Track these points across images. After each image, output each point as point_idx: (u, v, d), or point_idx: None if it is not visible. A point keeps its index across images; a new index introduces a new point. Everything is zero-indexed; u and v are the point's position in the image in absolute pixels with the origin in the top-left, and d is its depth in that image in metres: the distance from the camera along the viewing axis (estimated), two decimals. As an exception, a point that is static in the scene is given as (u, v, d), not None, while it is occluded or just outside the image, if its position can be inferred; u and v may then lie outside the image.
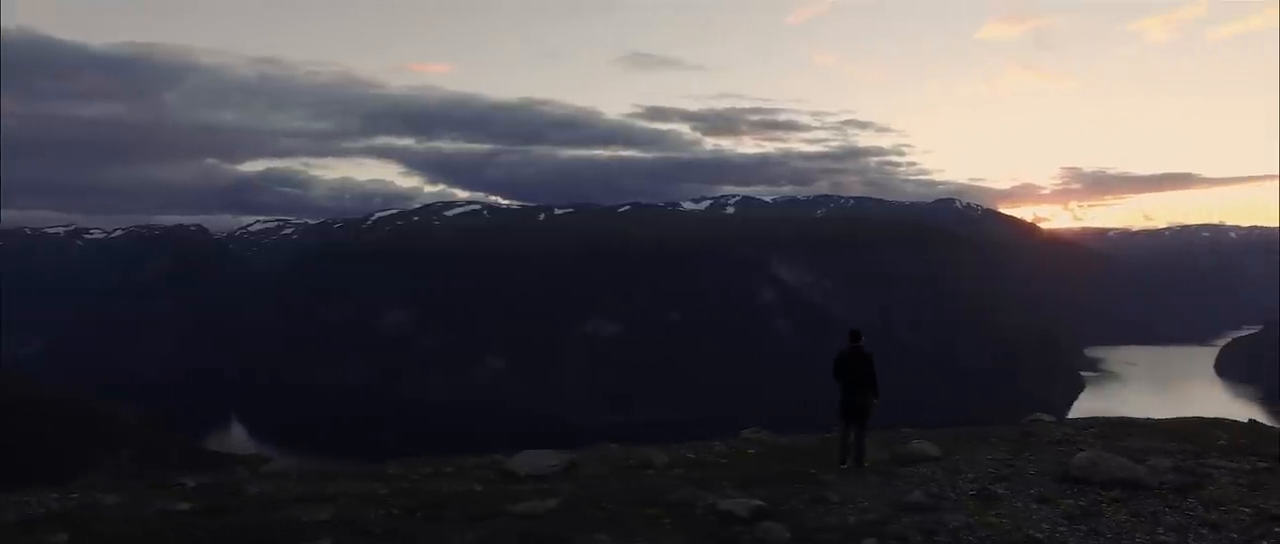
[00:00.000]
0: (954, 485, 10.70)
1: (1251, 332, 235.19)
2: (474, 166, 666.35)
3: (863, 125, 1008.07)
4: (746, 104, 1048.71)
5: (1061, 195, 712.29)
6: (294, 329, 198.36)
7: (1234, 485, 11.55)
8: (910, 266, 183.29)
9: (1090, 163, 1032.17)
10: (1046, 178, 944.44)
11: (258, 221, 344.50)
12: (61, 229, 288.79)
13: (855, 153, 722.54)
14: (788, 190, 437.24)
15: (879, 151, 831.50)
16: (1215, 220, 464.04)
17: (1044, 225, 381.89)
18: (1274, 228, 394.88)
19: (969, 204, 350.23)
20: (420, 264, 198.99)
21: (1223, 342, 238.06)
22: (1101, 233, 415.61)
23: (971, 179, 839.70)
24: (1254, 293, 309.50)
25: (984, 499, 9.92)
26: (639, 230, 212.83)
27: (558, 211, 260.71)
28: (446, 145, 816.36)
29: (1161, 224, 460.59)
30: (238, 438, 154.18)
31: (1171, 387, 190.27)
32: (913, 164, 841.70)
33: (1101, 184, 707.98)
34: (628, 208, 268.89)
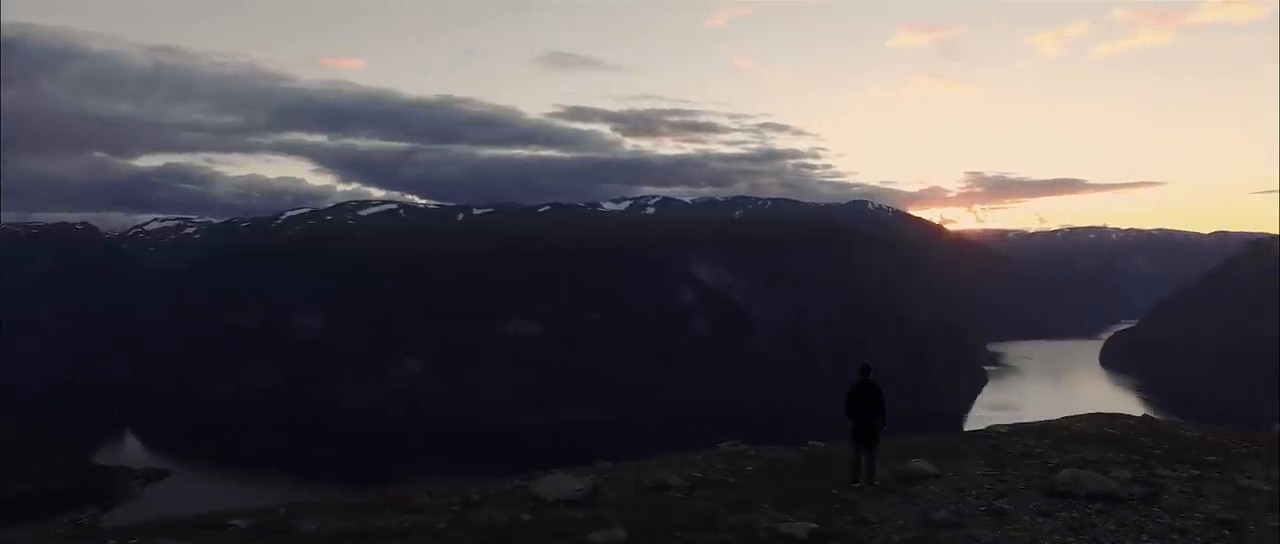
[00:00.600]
0: (965, 502, 11.95)
1: (1129, 326, 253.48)
2: (390, 165, 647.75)
3: (780, 128, 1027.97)
4: (666, 105, 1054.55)
5: (966, 198, 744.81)
6: (197, 333, 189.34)
7: (1182, 493, 13.33)
8: (825, 266, 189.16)
9: (991, 168, 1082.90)
10: (952, 181, 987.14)
11: (155, 220, 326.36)
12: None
13: (773, 155, 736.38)
14: (707, 191, 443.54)
15: (795, 154, 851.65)
16: (1100, 223, 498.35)
17: (950, 227, 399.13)
18: (1151, 230, 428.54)
19: (881, 206, 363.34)
20: (334, 264, 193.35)
21: (1106, 335, 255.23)
22: (1002, 234, 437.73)
23: (883, 182, 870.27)
24: (1133, 290, 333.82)
25: (995, 514, 11.20)
26: (559, 230, 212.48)
27: (477, 211, 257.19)
28: (361, 143, 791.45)
29: (1054, 226, 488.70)
30: (132, 450, 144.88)
31: (1063, 379, 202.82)
32: (828, 167, 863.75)
33: (1001, 188, 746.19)
34: (548, 208, 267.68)
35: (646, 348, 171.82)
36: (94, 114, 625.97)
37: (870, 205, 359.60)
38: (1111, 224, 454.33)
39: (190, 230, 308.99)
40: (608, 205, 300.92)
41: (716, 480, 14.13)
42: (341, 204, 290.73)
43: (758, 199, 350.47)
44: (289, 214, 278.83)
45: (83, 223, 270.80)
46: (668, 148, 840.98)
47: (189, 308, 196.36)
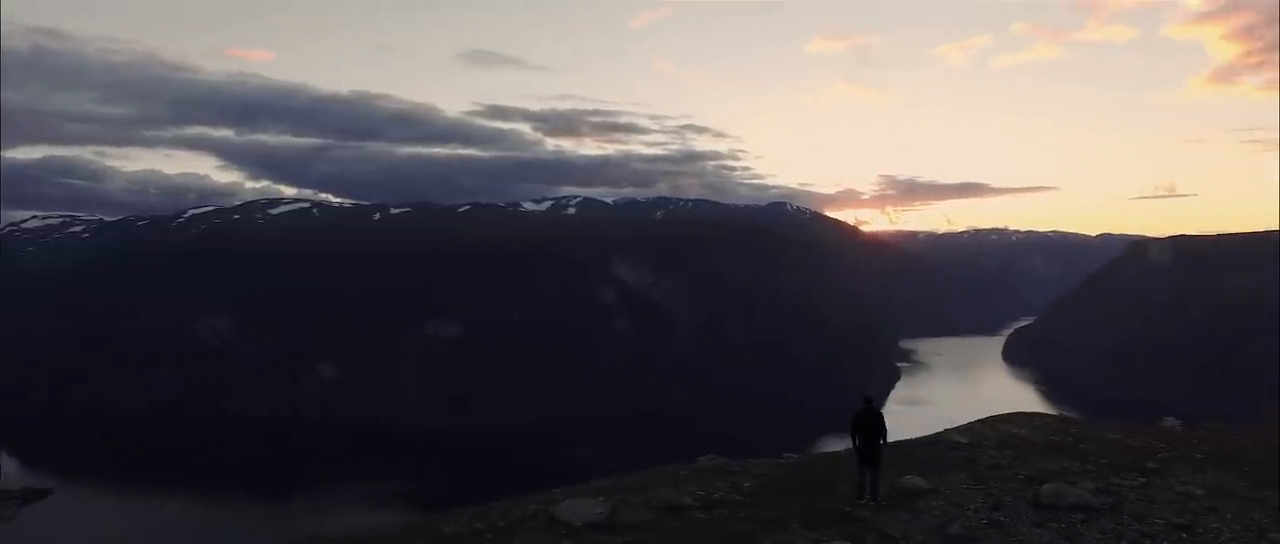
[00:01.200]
0: (966, 516, 13.18)
1: (1028, 323, 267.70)
2: (302, 162, 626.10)
3: (700, 130, 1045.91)
4: (588, 106, 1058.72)
5: (879, 200, 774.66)
6: (86, 339, 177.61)
7: (1140, 502, 14.94)
8: (745, 267, 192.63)
9: (903, 171, 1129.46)
10: (866, 184, 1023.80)
11: (35, 217, 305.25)
12: None
13: (693, 156, 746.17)
14: (628, 192, 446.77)
15: (716, 156, 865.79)
16: (1001, 224, 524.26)
17: (865, 228, 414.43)
18: (1048, 231, 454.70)
19: (799, 207, 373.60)
20: (242, 265, 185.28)
21: (1007, 332, 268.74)
22: (913, 235, 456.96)
23: (801, 184, 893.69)
24: (1031, 289, 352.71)
25: (997, 527, 12.46)
26: (479, 230, 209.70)
27: (394, 211, 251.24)
28: (271, 138, 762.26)
29: (961, 227, 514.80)
30: (8, 469, 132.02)
31: (969, 375, 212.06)
32: (747, 169, 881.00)
33: (912, 191, 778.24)
34: (467, 207, 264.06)
35: (567, 348, 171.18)
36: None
37: (789, 207, 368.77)
38: (1012, 226, 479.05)
39: (77, 229, 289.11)
40: (528, 205, 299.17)
41: (725, 499, 14.80)
42: (250, 202, 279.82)
43: (679, 200, 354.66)
44: (192, 212, 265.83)
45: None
46: (589, 148, 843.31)
47: (76, 311, 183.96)
